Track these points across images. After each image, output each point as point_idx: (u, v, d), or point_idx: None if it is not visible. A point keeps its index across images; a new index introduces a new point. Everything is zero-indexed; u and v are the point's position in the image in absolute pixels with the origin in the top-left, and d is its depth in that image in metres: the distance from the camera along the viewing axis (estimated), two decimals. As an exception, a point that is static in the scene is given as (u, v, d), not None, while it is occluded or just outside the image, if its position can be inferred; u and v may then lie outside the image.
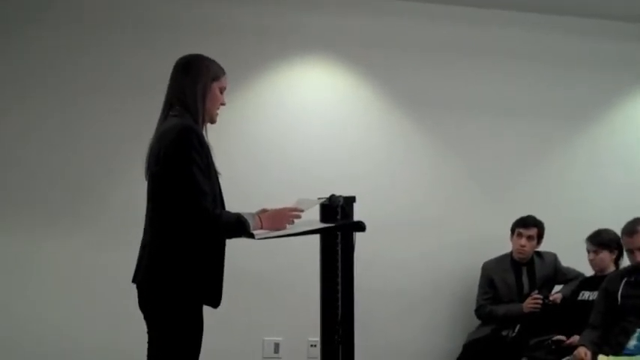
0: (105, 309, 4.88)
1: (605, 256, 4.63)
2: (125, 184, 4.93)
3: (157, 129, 2.90)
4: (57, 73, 4.99)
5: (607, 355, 3.98)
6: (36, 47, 4.98)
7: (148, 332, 2.85)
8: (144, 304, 2.83)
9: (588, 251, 4.69)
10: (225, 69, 3.04)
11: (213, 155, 2.86)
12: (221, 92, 2.99)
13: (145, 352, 2.89)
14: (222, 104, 3.02)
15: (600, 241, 4.63)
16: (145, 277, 2.81)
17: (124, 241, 4.68)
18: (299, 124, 5.32)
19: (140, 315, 2.86)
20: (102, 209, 5.00)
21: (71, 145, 5.00)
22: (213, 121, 3.00)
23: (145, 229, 2.90)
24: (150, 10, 5.15)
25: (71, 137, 5.00)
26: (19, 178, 4.91)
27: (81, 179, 4.99)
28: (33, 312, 4.85)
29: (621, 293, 4.18)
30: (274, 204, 3.06)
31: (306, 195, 3.33)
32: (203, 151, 2.77)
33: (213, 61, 2.99)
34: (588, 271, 4.86)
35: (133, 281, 2.87)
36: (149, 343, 2.85)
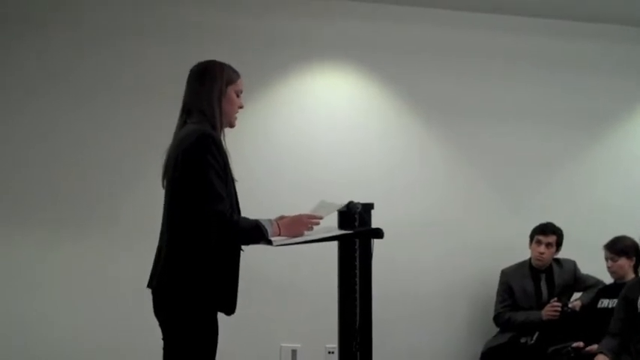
0: (112, 316, 4.88)
1: (624, 263, 4.61)
2: (134, 191, 4.93)
3: (175, 136, 2.91)
4: (64, 77, 4.99)
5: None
6: (41, 52, 4.98)
7: (163, 339, 2.84)
8: (158, 309, 2.83)
9: (606, 259, 4.67)
10: (242, 75, 3.04)
11: (230, 161, 2.87)
12: (237, 95, 3.00)
13: (154, 357, 2.89)
14: (241, 107, 3.03)
15: (618, 248, 4.61)
16: (160, 282, 2.81)
17: (133, 248, 4.78)
18: (315, 130, 5.32)
19: (149, 321, 2.86)
20: (111, 216, 4.98)
21: (79, 151, 4.99)
22: (232, 125, 3.01)
23: (162, 234, 2.89)
24: (159, 17, 5.15)
25: (79, 143, 4.99)
26: (26, 185, 4.90)
27: (89, 186, 4.98)
28: (40, 318, 4.84)
29: (641, 301, 4.16)
30: (290, 210, 3.05)
31: (326, 199, 3.33)
32: (221, 157, 2.78)
33: (228, 65, 3.00)
34: (607, 279, 4.84)
35: (149, 286, 2.87)
36: (164, 349, 2.85)
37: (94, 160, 4.99)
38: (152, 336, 2.94)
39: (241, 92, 3.02)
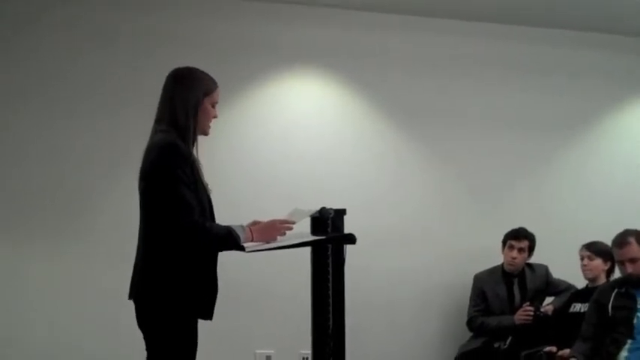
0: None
1: (598, 264, 4.67)
2: (117, 197, 4.90)
3: (148, 142, 2.89)
4: (47, 85, 4.95)
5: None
6: (26, 56, 4.94)
7: (146, 349, 2.84)
8: (140, 320, 2.82)
9: (582, 257, 4.72)
10: (217, 82, 3.01)
11: (201, 169, 2.86)
12: (213, 106, 2.95)
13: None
14: (215, 117, 2.98)
15: (596, 248, 4.68)
16: (139, 292, 2.81)
17: (116, 254, 4.71)
18: (290, 137, 5.31)
19: (132, 328, 2.86)
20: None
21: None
22: (205, 134, 2.98)
23: (138, 245, 2.89)
24: (142, 23, 5.13)
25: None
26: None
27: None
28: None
29: (612, 304, 4.18)
30: (265, 216, 3.05)
31: (300, 206, 3.33)
32: (187, 166, 2.76)
33: (206, 75, 2.95)
34: (579, 283, 4.88)
35: (130, 297, 2.86)
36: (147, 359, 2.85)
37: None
38: (131, 343, 2.93)
39: (217, 103, 2.97)
